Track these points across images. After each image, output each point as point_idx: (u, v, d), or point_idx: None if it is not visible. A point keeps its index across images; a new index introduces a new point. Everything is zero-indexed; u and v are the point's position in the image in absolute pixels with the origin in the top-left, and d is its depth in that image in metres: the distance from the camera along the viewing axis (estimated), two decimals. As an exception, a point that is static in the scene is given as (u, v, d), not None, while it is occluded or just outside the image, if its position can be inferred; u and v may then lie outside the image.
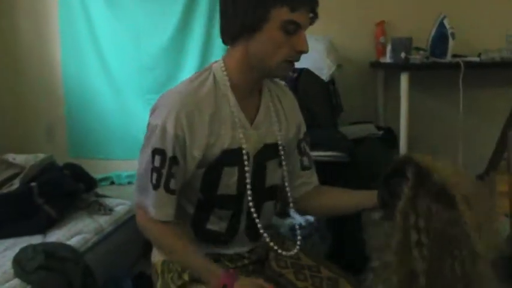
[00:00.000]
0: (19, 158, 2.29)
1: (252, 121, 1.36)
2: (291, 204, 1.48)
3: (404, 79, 2.77)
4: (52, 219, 2.05)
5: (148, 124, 1.32)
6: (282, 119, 1.44)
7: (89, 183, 2.42)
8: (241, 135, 1.32)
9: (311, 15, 1.26)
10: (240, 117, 1.33)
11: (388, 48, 2.95)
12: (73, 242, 1.96)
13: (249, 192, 1.35)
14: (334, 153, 2.23)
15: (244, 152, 1.33)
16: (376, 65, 3.28)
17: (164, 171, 1.28)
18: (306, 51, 1.27)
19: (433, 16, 2.97)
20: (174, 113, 1.26)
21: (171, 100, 1.29)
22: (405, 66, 2.81)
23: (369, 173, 2.61)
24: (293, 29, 1.23)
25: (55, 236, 1.99)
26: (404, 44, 2.87)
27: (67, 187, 2.19)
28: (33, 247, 1.78)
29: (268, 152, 1.40)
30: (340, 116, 3.10)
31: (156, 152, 1.28)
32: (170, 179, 1.28)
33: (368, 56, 3.35)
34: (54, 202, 2.07)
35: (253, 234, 1.44)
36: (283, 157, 1.43)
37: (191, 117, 1.26)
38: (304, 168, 1.52)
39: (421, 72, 3.08)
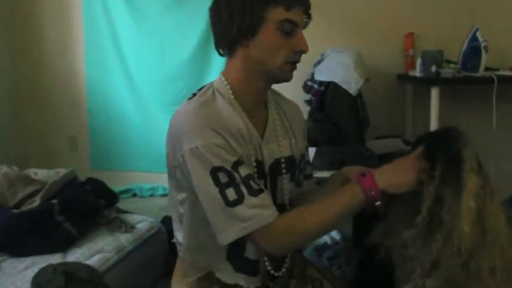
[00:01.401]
0: (41, 174, 2.26)
1: (262, 136, 1.30)
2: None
3: (435, 93, 2.68)
4: (72, 237, 2.00)
5: (180, 158, 1.17)
6: (290, 132, 1.40)
7: (110, 198, 2.37)
8: (258, 149, 1.27)
9: (305, 16, 1.22)
10: (252, 132, 1.27)
11: (418, 61, 2.86)
12: (93, 261, 1.91)
13: None
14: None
15: (265, 167, 1.29)
16: (404, 78, 3.19)
17: (238, 180, 1.13)
18: (305, 51, 1.22)
19: (464, 28, 2.87)
20: (202, 127, 1.14)
21: (190, 120, 1.17)
22: (436, 80, 2.72)
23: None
24: (290, 28, 1.19)
25: (75, 254, 1.95)
26: (435, 57, 2.78)
27: (88, 204, 2.15)
28: (53, 267, 1.73)
29: (279, 167, 1.33)
30: (367, 130, 3.02)
31: (214, 171, 1.13)
32: (249, 182, 1.14)
33: (396, 68, 3.27)
34: (75, 220, 2.02)
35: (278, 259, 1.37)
36: (297, 171, 1.41)
37: (220, 124, 1.16)
38: (306, 177, 1.49)
39: (452, 87, 2.99)
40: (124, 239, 2.11)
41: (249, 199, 1.12)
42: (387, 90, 3.34)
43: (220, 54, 1.30)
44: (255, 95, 1.28)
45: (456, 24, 3.08)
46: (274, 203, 1.26)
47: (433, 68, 2.73)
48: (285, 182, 1.35)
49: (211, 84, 1.30)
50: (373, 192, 1.10)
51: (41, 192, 2.04)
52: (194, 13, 3.38)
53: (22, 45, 3.74)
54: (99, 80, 3.69)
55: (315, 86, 2.92)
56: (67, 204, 2.04)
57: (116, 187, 3.59)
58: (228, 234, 1.14)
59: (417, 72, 2.87)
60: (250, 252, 1.30)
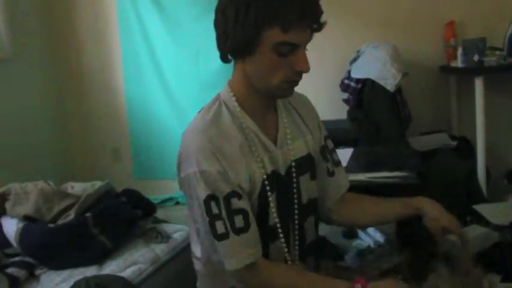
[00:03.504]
0: (77, 187, 2.29)
1: (274, 141, 1.26)
2: (328, 216, 1.43)
3: (479, 84, 2.54)
4: (107, 249, 2.01)
5: (183, 179, 1.20)
6: (304, 129, 1.35)
7: (147, 208, 2.37)
8: (270, 159, 1.23)
9: (312, 27, 1.13)
10: (264, 141, 1.23)
11: (459, 51, 2.71)
12: (128, 273, 1.90)
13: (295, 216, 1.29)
14: (401, 174, 2.02)
15: (281, 173, 1.25)
16: (446, 69, 3.04)
17: (224, 214, 1.14)
18: (305, 71, 1.15)
19: (508, 11, 2.71)
20: (204, 151, 1.14)
21: (195, 141, 1.16)
22: (479, 69, 2.58)
23: (443, 189, 2.41)
24: (288, 50, 1.11)
25: (110, 267, 1.95)
26: (477, 46, 2.63)
27: (122, 215, 2.15)
28: (86, 281, 1.73)
29: (299, 167, 1.29)
30: (409, 126, 2.90)
31: (208, 199, 1.14)
32: (235, 218, 1.14)
33: (437, 60, 3.12)
34: (110, 232, 2.03)
35: (310, 261, 1.36)
36: (316, 168, 1.37)
37: (223, 150, 1.15)
38: (330, 174, 1.41)
39: (498, 75, 2.82)
40: (159, 250, 2.09)
41: (232, 237, 1.14)
42: (429, 84, 3.20)
43: (223, 62, 1.25)
44: (260, 103, 1.24)
45: (500, 8, 2.91)
46: (301, 202, 1.30)
47: (476, 57, 2.59)
48: (303, 183, 1.31)
49: (219, 95, 1.27)
50: None
51: (75, 206, 2.06)
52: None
53: (63, 61, 3.84)
54: (138, 91, 3.74)
55: (352, 84, 2.83)
56: (101, 217, 2.04)
57: (160, 196, 3.64)
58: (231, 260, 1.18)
59: (459, 63, 2.73)
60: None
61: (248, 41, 1.11)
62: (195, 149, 1.15)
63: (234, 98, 1.22)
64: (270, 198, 1.22)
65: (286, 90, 1.19)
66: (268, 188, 1.21)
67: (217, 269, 1.25)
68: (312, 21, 1.12)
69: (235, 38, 1.11)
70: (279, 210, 1.24)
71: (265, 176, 1.20)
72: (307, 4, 1.10)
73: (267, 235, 1.24)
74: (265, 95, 1.22)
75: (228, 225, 1.13)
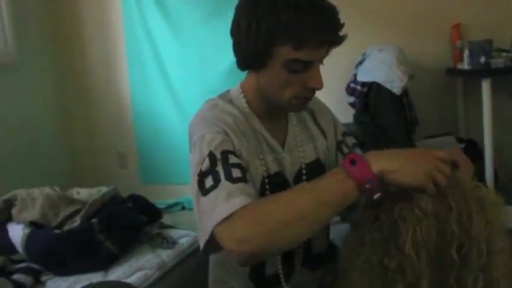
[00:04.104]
0: (83, 193, 2.28)
1: (282, 145, 1.24)
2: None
3: (486, 86, 2.53)
4: (113, 255, 2.00)
5: (191, 147, 1.13)
6: (315, 133, 1.31)
7: (152, 214, 2.36)
8: (275, 160, 1.21)
9: (330, 43, 1.07)
10: (271, 142, 1.21)
11: (466, 53, 2.70)
12: (134, 279, 1.89)
13: None
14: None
15: (286, 177, 1.22)
16: (453, 71, 3.02)
17: (220, 167, 1.01)
18: (318, 89, 1.10)
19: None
20: (210, 123, 1.11)
21: (202, 114, 1.16)
22: (486, 71, 2.56)
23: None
24: (300, 67, 1.07)
25: (116, 273, 1.93)
26: (483, 47, 2.61)
27: (128, 221, 2.14)
28: (92, 287, 1.73)
29: (308, 172, 1.26)
30: (416, 129, 2.88)
31: (202, 159, 1.04)
32: (231, 170, 1.00)
33: (444, 62, 3.11)
34: (116, 238, 2.02)
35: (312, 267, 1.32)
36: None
37: (229, 124, 1.12)
38: None
39: (505, 77, 2.80)
40: (165, 255, 2.08)
41: (224, 184, 0.97)
42: (436, 86, 3.18)
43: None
44: (270, 109, 1.22)
45: (506, 10, 2.89)
46: None
47: (482, 59, 2.57)
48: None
49: (229, 92, 1.26)
50: (372, 183, 0.90)
51: (81, 212, 2.05)
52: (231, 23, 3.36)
53: (68, 67, 3.84)
54: (143, 96, 3.74)
55: (358, 87, 2.82)
56: (107, 223, 2.03)
57: (166, 201, 3.64)
58: (202, 234, 0.99)
59: (465, 65, 2.71)
60: (269, 269, 1.26)
61: (259, 55, 1.08)
62: (199, 120, 1.14)
63: (244, 100, 1.21)
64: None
65: (296, 106, 1.16)
66: (268, 187, 1.18)
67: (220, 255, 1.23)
68: (329, 37, 1.06)
69: (247, 50, 1.09)
70: None
71: (265, 174, 1.18)
72: (322, 20, 1.03)
73: None
74: (276, 106, 1.20)
75: (222, 175, 0.99)
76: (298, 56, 1.05)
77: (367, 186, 0.90)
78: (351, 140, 1.36)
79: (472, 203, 0.92)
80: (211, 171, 1.01)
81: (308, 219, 0.92)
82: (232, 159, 1.03)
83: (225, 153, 1.04)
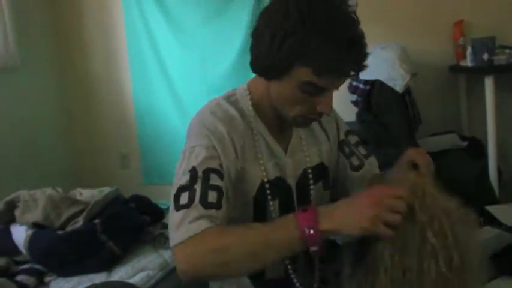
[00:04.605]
0: (85, 194, 2.28)
1: (285, 149, 1.23)
2: None
3: (489, 83, 2.52)
4: (116, 256, 2.00)
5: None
6: (320, 136, 1.30)
7: (155, 214, 2.36)
8: (276, 166, 1.20)
9: (351, 74, 1.05)
10: (273, 147, 1.20)
11: (469, 50, 2.69)
12: (137, 279, 1.89)
13: None
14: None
15: (287, 181, 1.22)
16: (456, 69, 3.01)
17: (198, 186, 1.01)
18: (326, 114, 1.11)
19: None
20: (203, 134, 1.10)
21: (201, 121, 1.14)
22: (489, 68, 2.55)
23: (455, 190, 2.38)
24: (314, 91, 1.05)
25: (119, 273, 1.94)
26: (486, 45, 2.60)
27: (131, 221, 2.14)
28: (95, 287, 1.73)
29: (310, 176, 1.26)
30: (419, 127, 2.87)
31: (185, 172, 1.05)
32: (208, 192, 1.01)
33: (446, 60, 3.09)
34: (118, 238, 2.02)
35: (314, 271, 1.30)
36: (330, 177, 1.32)
37: (221, 136, 1.10)
38: (355, 168, 1.32)
39: (508, 74, 2.79)
40: (168, 256, 2.08)
41: (195, 207, 0.99)
42: (439, 84, 3.17)
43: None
44: (274, 114, 1.19)
45: (509, 7, 2.88)
46: None
47: (485, 56, 2.57)
48: (316, 192, 1.27)
49: (235, 92, 1.24)
50: (311, 232, 0.92)
51: (84, 213, 2.05)
52: (232, 24, 3.36)
53: (70, 68, 3.84)
54: (145, 96, 3.73)
55: (360, 85, 2.81)
56: (109, 223, 2.03)
57: (169, 201, 3.62)
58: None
59: (468, 62, 2.70)
60: (270, 274, 1.25)
61: (277, 69, 1.05)
62: (196, 125, 1.14)
63: (250, 102, 1.19)
64: (271, 203, 1.19)
65: (300, 124, 1.15)
66: (268, 192, 1.17)
67: None
68: (353, 70, 1.04)
69: (265, 60, 1.06)
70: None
71: (265, 179, 1.17)
72: (349, 53, 1.00)
73: None
74: (280, 116, 1.18)
75: (197, 197, 1.00)
76: (316, 81, 1.02)
77: (308, 233, 0.92)
78: (354, 139, 1.36)
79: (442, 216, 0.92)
80: (190, 188, 1.02)
81: (256, 259, 0.96)
82: (213, 180, 1.04)
83: (207, 172, 1.04)
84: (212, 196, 1.01)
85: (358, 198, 0.95)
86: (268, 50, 1.03)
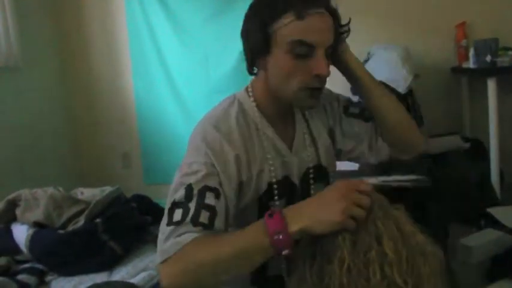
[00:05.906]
0: (87, 193, 2.28)
1: (290, 147, 1.23)
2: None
3: (491, 85, 2.51)
4: (117, 255, 1.99)
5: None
6: (322, 134, 1.30)
7: (157, 214, 2.36)
8: (283, 164, 1.20)
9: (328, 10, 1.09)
10: (280, 146, 1.21)
11: (471, 52, 2.68)
12: (138, 279, 1.89)
13: None
14: (414, 177, 2.00)
15: (293, 180, 1.22)
16: (458, 70, 3.01)
17: (193, 204, 1.02)
18: (324, 75, 1.08)
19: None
20: (203, 151, 1.10)
21: (204, 133, 1.13)
22: (492, 70, 2.54)
23: (456, 192, 2.38)
24: (304, 51, 1.06)
25: (121, 273, 1.93)
26: (489, 46, 2.59)
27: (132, 221, 2.14)
28: (97, 287, 1.74)
29: (313, 174, 1.26)
30: (421, 129, 2.86)
31: (180, 186, 1.05)
32: (201, 212, 1.01)
33: (449, 61, 3.10)
34: (120, 238, 2.02)
35: None
36: (331, 179, 1.31)
37: (220, 160, 1.10)
38: (367, 119, 1.31)
39: (511, 76, 2.78)
40: (169, 256, 2.08)
41: (187, 225, 0.99)
42: (441, 86, 3.16)
43: (248, 72, 1.22)
44: (279, 110, 1.21)
45: (511, 8, 2.87)
46: None
47: (488, 58, 2.55)
48: (314, 193, 1.26)
49: (234, 96, 1.24)
50: (280, 237, 0.91)
51: (85, 212, 2.05)
52: (235, 23, 3.34)
53: (71, 68, 3.84)
54: (147, 96, 3.73)
55: (363, 86, 2.80)
56: (110, 223, 2.03)
57: (170, 201, 3.62)
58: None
59: (471, 64, 2.70)
60: (272, 270, 1.25)
61: (264, 38, 1.08)
62: (197, 138, 1.13)
63: (254, 104, 1.19)
64: (277, 203, 1.19)
65: (305, 100, 1.13)
66: (276, 192, 1.18)
67: None
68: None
69: (251, 37, 1.10)
70: None
71: (274, 180, 1.18)
72: None
73: None
74: (286, 104, 1.19)
75: (190, 214, 1.00)
76: (302, 36, 1.05)
77: (278, 237, 0.91)
78: (355, 110, 1.33)
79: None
80: (184, 205, 1.02)
81: (230, 272, 0.97)
82: (208, 199, 1.04)
83: (203, 191, 1.04)
84: (204, 216, 1.01)
85: (325, 193, 0.94)
86: (252, 24, 1.11)
